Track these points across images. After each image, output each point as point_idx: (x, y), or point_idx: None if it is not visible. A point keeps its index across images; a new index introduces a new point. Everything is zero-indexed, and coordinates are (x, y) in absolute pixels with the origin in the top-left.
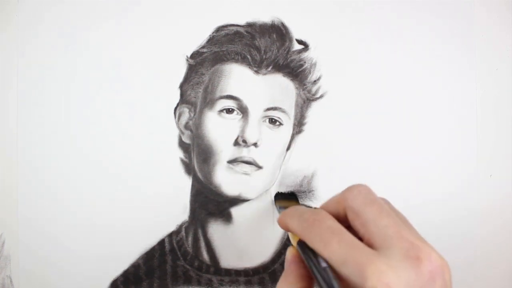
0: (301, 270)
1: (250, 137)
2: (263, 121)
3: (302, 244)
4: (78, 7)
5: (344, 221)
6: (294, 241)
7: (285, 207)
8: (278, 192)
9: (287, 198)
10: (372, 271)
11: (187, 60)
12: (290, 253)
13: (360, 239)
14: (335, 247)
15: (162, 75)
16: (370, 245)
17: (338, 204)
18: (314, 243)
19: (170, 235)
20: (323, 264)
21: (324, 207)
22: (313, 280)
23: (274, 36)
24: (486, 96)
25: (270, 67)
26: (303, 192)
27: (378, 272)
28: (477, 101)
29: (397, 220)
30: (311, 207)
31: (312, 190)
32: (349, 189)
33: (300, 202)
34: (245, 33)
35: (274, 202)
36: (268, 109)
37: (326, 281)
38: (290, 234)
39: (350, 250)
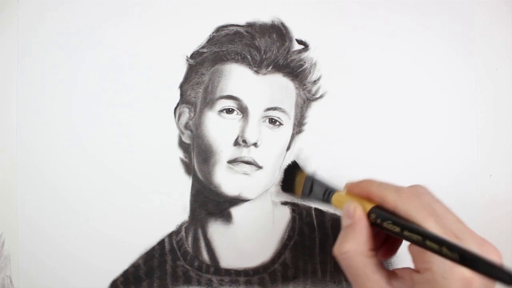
0: (369, 230)
1: (250, 137)
2: (263, 121)
3: (382, 211)
4: (78, 8)
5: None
6: (363, 204)
7: (294, 176)
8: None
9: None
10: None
11: (187, 60)
12: (358, 210)
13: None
14: (433, 225)
15: (162, 75)
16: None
17: (397, 193)
18: (412, 214)
19: (170, 235)
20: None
21: (379, 188)
22: (381, 244)
23: (274, 36)
24: (486, 96)
25: (270, 67)
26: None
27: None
28: (476, 101)
29: (456, 217)
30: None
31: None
32: (416, 185)
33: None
34: (245, 33)
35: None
36: (268, 109)
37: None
38: (351, 201)
39: (442, 230)
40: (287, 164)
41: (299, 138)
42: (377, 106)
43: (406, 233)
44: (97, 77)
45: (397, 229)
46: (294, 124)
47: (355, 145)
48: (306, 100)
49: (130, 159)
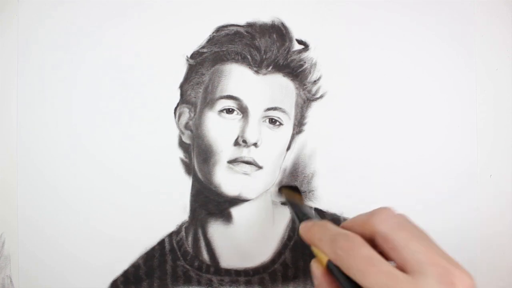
0: (335, 285)
1: (250, 137)
2: (263, 121)
3: (333, 265)
4: (78, 8)
5: (369, 242)
6: (320, 257)
7: (290, 201)
8: (283, 186)
9: (291, 190)
10: None
11: (187, 60)
12: (318, 270)
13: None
14: (373, 278)
15: (162, 75)
16: (402, 270)
17: (364, 226)
18: (350, 271)
19: (170, 235)
20: None
21: (349, 227)
22: None
23: (274, 36)
24: (486, 96)
25: (270, 67)
26: (303, 192)
27: None
28: (476, 101)
29: (428, 243)
30: (312, 207)
31: (312, 190)
32: (377, 212)
33: (302, 194)
34: (245, 33)
35: (278, 193)
36: (268, 109)
37: None
38: (314, 249)
39: (388, 280)
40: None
41: (299, 138)
42: (377, 106)
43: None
44: (97, 77)
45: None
46: (294, 124)
47: (355, 145)
48: (306, 100)
49: (130, 159)
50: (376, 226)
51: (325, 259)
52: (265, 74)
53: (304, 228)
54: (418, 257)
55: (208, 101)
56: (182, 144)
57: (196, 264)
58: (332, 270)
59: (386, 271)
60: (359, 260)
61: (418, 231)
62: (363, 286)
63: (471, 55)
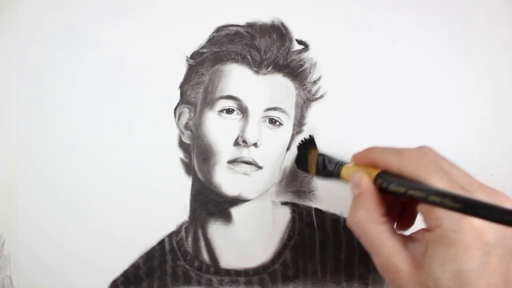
0: (378, 196)
1: (250, 137)
2: (263, 121)
3: (387, 176)
4: (78, 7)
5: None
6: (368, 172)
7: (307, 153)
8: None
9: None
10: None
11: (187, 60)
12: (364, 178)
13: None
14: (437, 181)
15: (162, 75)
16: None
17: (399, 156)
18: (417, 175)
19: (170, 235)
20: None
21: (382, 153)
22: (398, 214)
23: (274, 36)
24: (486, 96)
25: (270, 67)
26: (303, 192)
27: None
28: (477, 101)
29: (466, 172)
30: (311, 207)
31: (312, 190)
32: (420, 147)
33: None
34: (245, 33)
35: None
36: (268, 109)
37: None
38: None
39: (447, 186)
40: (301, 140)
41: (299, 138)
42: (377, 106)
43: (410, 192)
44: (97, 77)
45: (402, 190)
46: (294, 124)
47: (355, 145)
48: (306, 100)
49: (130, 159)
50: (425, 154)
51: (374, 173)
52: (265, 74)
53: (357, 156)
54: (465, 179)
55: (208, 101)
56: (182, 144)
57: (196, 264)
58: (385, 179)
59: (446, 179)
60: (423, 166)
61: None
62: (429, 183)
63: (471, 55)
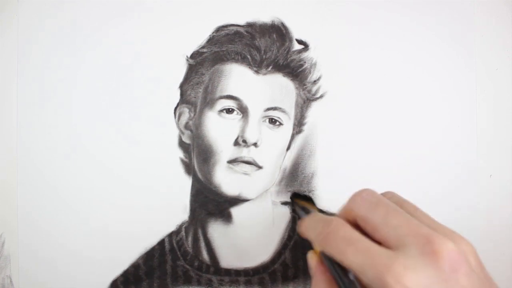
0: (329, 277)
1: (250, 137)
2: (263, 121)
3: (325, 255)
4: (78, 8)
5: (356, 227)
6: (315, 248)
7: (302, 209)
8: (295, 192)
9: (304, 200)
10: (390, 275)
11: (187, 60)
12: (313, 260)
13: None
14: (352, 256)
15: (162, 75)
16: (387, 247)
17: (347, 214)
18: (333, 254)
19: (170, 235)
20: (351, 277)
21: (339, 215)
22: None
23: (274, 36)
24: (486, 96)
25: (270, 67)
26: (303, 192)
27: (396, 276)
28: (477, 101)
29: (406, 216)
30: (327, 212)
31: (312, 190)
32: (352, 198)
33: (315, 205)
34: (245, 33)
35: (291, 202)
36: (268, 109)
37: None
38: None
39: (366, 257)
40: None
41: (299, 138)
42: (377, 106)
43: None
44: (97, 77)
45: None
46: (294, 124)
47: (355, 145)
48: (306, 100)
49: (130, 159)
50: (355, 210)
51: (318, 249)
52: (265, 74)
53: (299, 224)
54: (396, 231)
55: (208, 101)
56: (182, 144)
57: (196, 264)
58: (325, 259)
59: (364, 248)
60: (338, 241)
61: (394, 206)
62: (345, 266)
63: (471, 55)
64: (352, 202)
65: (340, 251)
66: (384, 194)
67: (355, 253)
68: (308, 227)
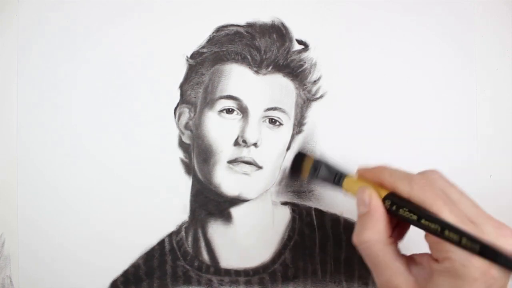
0: (387, 217)
1: (250, 137)
2: (263, 121)
3: (395, 197)
4: (78, 8)
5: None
6: (377, 190)
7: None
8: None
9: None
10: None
11: (187, 60)
12: (374, 199)
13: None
14: (448, 213)
15: (162, 75)
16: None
17: (409, 183)
18: (426, 203)
19: (170, 235)
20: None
21: (392, 177)
22: (397, 231)
23: (274, 36)
24: (486, 96)
25: (270, 67)
26: (303, 192)
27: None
28: (477, 101)
29: (474, 202)
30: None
31: (312, 190)
32: (429, 171)
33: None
34: (245, 33)
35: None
36: (268, 109)
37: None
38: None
39: (457, 221)
40: (295, 153)
41: (299, 138)
42: (377, 106)
43: (423, 222)
44: (97, 77)
45: (414, 217)
46: (294, 124)
47: (355, 145)
48: (306, 100)
49: (130, 159)
50: (434, 180)
51: (382, 193)
52: (265, 74)
53: (363, 172)
54: (473, 211)
55: (208, 101)
56: (182, 144)
57: (196, 264)
58: (395, 202)
59: (455, 211)
60: (434, 196)
61: (463, 191)
62: (436, 216)
63: (471, 55)
64: (431, 173)
65: (438, 205)
66: (431, 173)
67: (451, 212)
68: (390, 174)
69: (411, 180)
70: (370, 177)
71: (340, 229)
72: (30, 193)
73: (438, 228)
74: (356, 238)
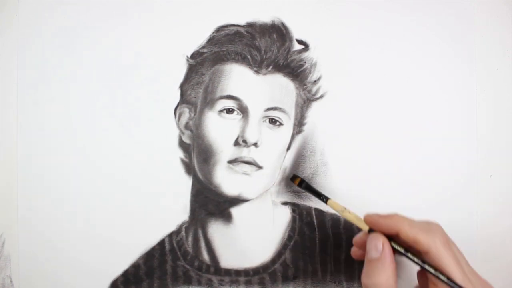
0: (395, 264)
1: (250, 137)
2: (263, 121)
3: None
4: (78, 8)
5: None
6: (387, 241)
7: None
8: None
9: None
10: None
11: (187, 60)
12: (386, 245)
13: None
14: (458, 275)
15: (162, 75)
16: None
17: (431, 239)
18: (442, 261)
19: (170, 235)
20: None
21: (411, 229)
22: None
23: (274, 36)
24: (486, 96)
25: (270, 67)
26: (303, 192)
27: None
28: (477, 101)
29: (470, 267)
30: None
31: None
32: (435, 225)
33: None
34: (245, 33)
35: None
36: (268, 109)
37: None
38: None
39: (464, 276)
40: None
41: (299, 138)
42: (377, 106)
43: (433, 270)
44: (97, 77)
45: (427, 266)
46: (294, 124)
47: (355, 145)
48: (306, 100)
49: (130, 159)
50: (432, 240)
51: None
52: (265, 74)
53: (375, 220)
54: (469, 269)
55: (208, 101)
56: (182, 144)
57: (196, 264)
58: (402, 247)
59: (462, 272)
60: (451, 255)
61: (460, 252)
62: (451, 275)
63: (471, 55)
64: (437, 227)
65: (453, 265)
66: (439, 231)
67: (460, 273)
68: (413, 226)
69: (433, 234)
70: (385, 227)
71: (340, 229)
72: (30, 193)
73: (445, 279)
74: (366, 281)
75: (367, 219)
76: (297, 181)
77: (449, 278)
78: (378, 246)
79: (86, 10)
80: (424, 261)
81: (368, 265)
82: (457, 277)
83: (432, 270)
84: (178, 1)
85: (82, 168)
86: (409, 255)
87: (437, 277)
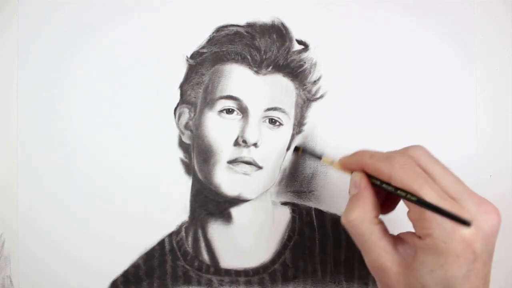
0: (374, 198)
1: (250, 137)
2: (263, 121)
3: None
4: (78, 8)
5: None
6: (365, 175)
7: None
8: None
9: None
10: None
11: (187, 60)
12: (362, 179)
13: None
14: (426, 192)
15: (162, 75)
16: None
17: (390, 164)
18: (405, 184)
19: (170, 235)
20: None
21: (372, 160)
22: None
23: (274, 36)
24: (486, 96)
25: (270, 67)
26: (303, 192)
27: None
28: (477, 101)
29: (458, 178)
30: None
31: (312, 190)
32: (412, 148)
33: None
34: (245, 33)
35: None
36: (268, 109)
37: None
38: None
39: (438, 198)
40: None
41: (299, 138)
42: (377, 106)
43: (399, 192)
44: (97, 77)
45: (391, 189)
46: (294, 124)
47: (355, 145)
48: (306, 100)
49: (130, 159)
50: (417, 158)
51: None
52: (265, 74)
53: (344, 162)
54: (455, 187)
55: (208, 101)
56: (182, 144)
57: (196, 264)
58: (372, 181)
59: (436, 189)
60: (415, 174)
61: (447, 167)
62: (416, 196)
63: (471, 55)
64: (414, 150)
65: (418, 184)
66: (414, 150)
67: (429, 191)
68: (371, 156)
69: (391, 161)
70: (352, 166)
71: (340, 229)
72: (30, 193)
73: (411, 197)
74: (344, 218)
75: (340, 163)
76: (300, 152)
77: (419, 199)
78: (357, 182)
79: (86, 10)
80: (397, 188)
81: (348, 203)
82: (428, 195)
83: (403, 194)
84: (178, 1)
85: (82, 168)
86: (384, 185)
87: (410, 200)
